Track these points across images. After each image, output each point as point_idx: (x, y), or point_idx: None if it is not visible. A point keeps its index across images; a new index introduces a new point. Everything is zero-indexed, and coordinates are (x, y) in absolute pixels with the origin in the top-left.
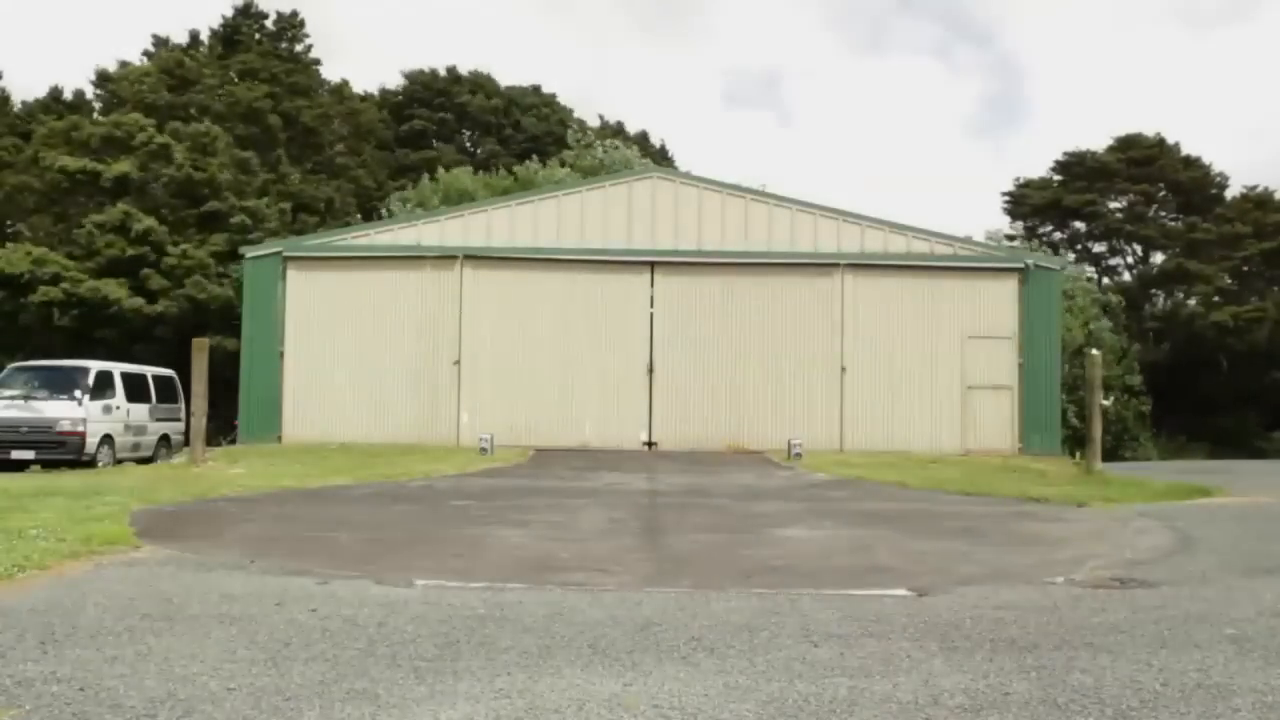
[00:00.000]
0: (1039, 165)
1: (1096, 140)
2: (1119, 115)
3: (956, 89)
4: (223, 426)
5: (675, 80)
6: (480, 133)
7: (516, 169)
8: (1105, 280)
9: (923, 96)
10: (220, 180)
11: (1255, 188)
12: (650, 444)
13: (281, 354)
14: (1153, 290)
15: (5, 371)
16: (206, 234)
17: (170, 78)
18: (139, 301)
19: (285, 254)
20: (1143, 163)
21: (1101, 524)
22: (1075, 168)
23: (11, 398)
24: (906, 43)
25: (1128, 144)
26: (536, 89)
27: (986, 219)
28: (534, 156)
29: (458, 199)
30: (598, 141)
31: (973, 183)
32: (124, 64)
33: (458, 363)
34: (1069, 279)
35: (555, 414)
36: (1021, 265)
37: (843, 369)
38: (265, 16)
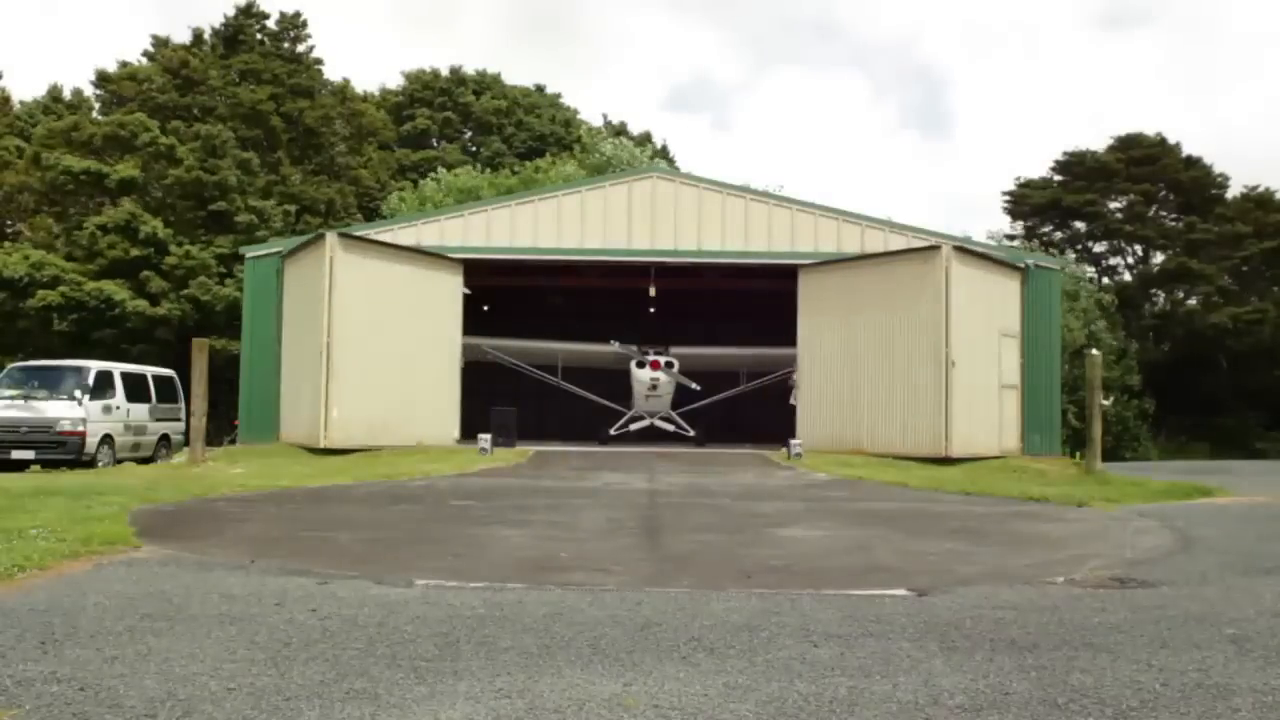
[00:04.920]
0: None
1: (1096, 140)
2: (1116, 115)
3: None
4: (223, 426)
5: (678, 82)
6: (483, 133)
7: (520, 168)
8: (1105, 280)
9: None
10: (228, 182)
11: (1256, 188)
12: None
13: (280, 354)
14: (1153, 290)
15: (5, 371)
16: (212, 235)
17: (175, 77)
18: (142, 304)
19: (285, 254)
20: (1143, 162)
21: (1101, 524)
22: (1075, 168)
23: (11, 398)
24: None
25: (1128, 144)
26: (540, 89)
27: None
28: (546, 155)
29: (462, 198)
30: (608, 140)
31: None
32: (124, 64)
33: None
34: (1073, 279)
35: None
36: (1022, 265)
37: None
38: (267, 16)
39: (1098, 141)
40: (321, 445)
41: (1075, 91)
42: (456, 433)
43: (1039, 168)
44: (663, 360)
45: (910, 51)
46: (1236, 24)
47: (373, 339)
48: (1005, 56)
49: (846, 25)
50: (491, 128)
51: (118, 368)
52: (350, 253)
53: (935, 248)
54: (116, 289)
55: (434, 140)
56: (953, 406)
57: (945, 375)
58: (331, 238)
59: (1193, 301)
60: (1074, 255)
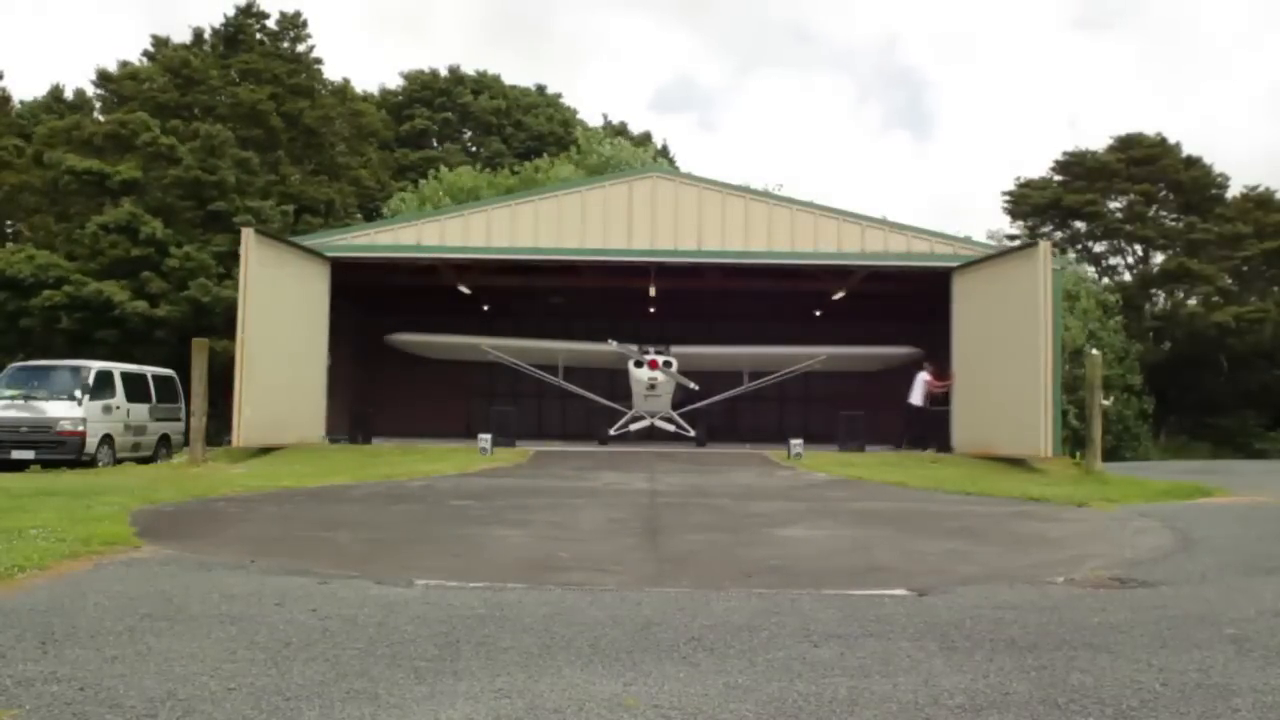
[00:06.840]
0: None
1: (1093, 140)
2: (1119, 116)
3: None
4: (223, 427)
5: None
6: (482, 133)
7: (519, 168)
8: (1105, 280)
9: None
10: (227, 181)
11: (1256, 188)
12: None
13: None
14: (1153, 290)
15: (5, 371)
16: (211, 235)
17: (176, 77)
18: (143, 305)
19: None
20: (1143, 162)
21: (1101, 524)
22: (1075, 168)
23: (11, 398)
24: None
25: (1128, 144)
26: (540, 89)
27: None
28: (544, 155)
29: (462, 198)
30: (606, 140)
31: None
32: (124, 64)
33: None
34: (1077, 279)
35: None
36: None
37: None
38: (267, 16)
39: (1095, 141)
40: (235, 445)
41: (1069, 92)
42: (322, 431)
43: (1032, 168)
44: (661, 360)
45: (897, 53)
46: (1237, 23)
47: (279, 338)
48: (997, 57)
49: (832, 27)
50: (491, 128)
51: (118, 368)
52: (264, 250)
53: (1033, 244)
54: (118, 290)
55: (434, 140)
56: (1049, 406)
57: (1045, 374)
58: (248, 235)
59: (1193, 301)
60: (1074, 255)
